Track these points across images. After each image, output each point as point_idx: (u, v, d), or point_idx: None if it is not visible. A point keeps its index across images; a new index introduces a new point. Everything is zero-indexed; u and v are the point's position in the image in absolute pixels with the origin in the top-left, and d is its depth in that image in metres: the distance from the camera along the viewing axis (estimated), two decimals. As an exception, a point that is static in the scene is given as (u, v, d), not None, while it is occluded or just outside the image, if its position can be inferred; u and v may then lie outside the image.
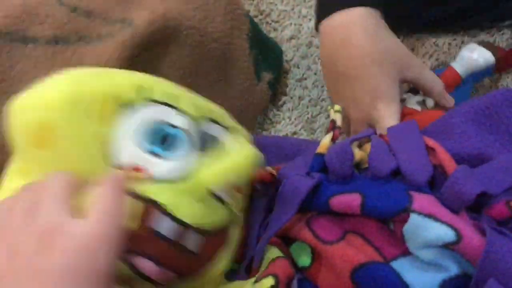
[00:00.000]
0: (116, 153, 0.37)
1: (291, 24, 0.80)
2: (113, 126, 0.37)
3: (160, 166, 0.38)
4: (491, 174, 0.42)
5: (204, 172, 0.39)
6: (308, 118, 0.69)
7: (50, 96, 0.37)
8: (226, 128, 0.44)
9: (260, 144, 0.55)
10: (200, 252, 0.39)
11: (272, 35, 0.79)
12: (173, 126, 0.39)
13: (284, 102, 0.72)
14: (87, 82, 0.38)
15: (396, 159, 0.44)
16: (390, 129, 0.50)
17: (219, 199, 0.40)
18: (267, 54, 0.70)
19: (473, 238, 0.38)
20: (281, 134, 0.70)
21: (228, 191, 0.41)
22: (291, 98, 0.72)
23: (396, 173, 0.44)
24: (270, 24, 0.81)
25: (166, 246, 0.37)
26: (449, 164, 0.43)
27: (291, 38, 0.79)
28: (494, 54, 0.64)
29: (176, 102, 0.40)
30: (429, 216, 0.39)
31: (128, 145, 0.37)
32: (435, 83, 0.58)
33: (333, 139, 0.49)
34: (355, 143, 0.50)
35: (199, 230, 0.39)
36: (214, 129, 0.43)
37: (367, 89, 0.55)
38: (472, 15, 0.69)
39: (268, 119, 0.71)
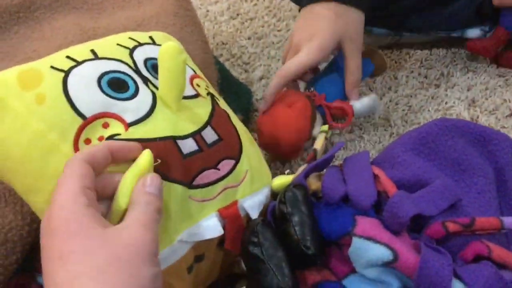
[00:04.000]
0: (80, 106, 0.42)
1: (261, 65, 0.86)
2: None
3: (126, 107, 0.43)
4: (428, 197, 0.46)
5: (162, 88, 0.46)
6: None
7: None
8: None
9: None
10: (221, 135, 0.49)
11: (243, 76, 0.85)
12: (111, 72, 0.45)
13: (255, 138, 0.76)
14: None
15: (346, 186, 0.49)
16: (345, 159, 0.55)
17: (186, 97, 0.48)
18: (236, 98, 0.75)
19: (409, 256, 0.42)
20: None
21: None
22: (261, 134, 0.76)
23: (347, 199, 0.48)
24: (241, 66, 0.87)
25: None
26: (391, 189, 0.47)
27: (261, 78, 0.84)
28: (372, 60, 0.76)
29: (99, 54, 0.46)
30: (369, 238, 0.43)
31: (86, 98, 0.42)
32: (353, 72, 0.69)
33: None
34: (316, 175, 0.54)
35: (202, 127, 0.47)
36: (143, 51, 0.49)
37: (313, 29, 0.68)
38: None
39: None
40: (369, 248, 0.42)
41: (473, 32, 0.76)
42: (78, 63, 0.44)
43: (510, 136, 0.51)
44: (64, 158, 0.40)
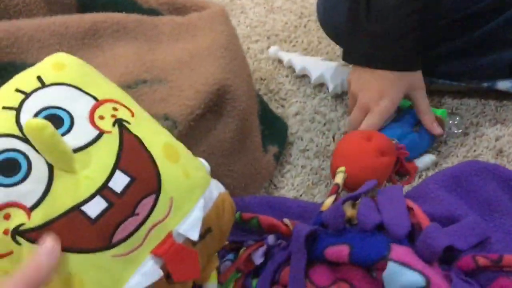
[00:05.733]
0: None
1: (296, 101, 0.90)
2: None
3: (25, 191, 0.40)
4: (459, 232, 0.49)
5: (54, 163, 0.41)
6: (309, 185, 0.77)
7: None
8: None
9: (269, 203, 0.64)
10: (133, 174, 0.43)
11: (279, 110, 0.89)
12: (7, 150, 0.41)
13: (288, 170, 0.80)
14: None
15: (381, 215, 0.52)
16: (380, 191, 0.58)
17: (81, 148, 0.42)
18: (273, 130, 0.79)
19: (440, 285, 0.44)
20: (285, 198, 0.78)
21: (85, 126, 0.44)
22: (294, 166, 0.80)
23: (381, 227, 0.52)
24: (278, 101, 0.91)
25: None
26: (424, 222, 0.50)
27: (296, 114, 0.88)
28: None
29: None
30: (404, 264, 0.46)
31: None
32: (427, 112, 0.76)
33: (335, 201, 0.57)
34: (349, 203, 0.57)
35: (110, 175, 0.42)
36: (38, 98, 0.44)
37: (380, 87, 0.74)
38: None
39: (273, 184, 0.78)
40: (403, 273, 0.45)
41: (504, 84, 0.80)
42: None
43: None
44: None
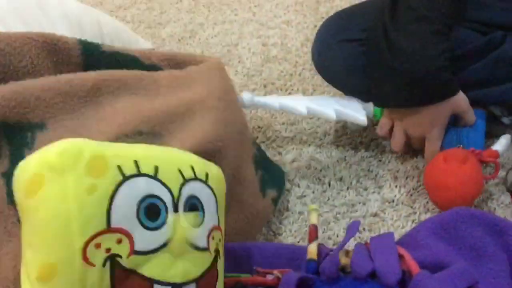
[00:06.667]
0: (113, 215, 0.45)
1: (293, 149, 0.93)
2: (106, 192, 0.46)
3: (144, 235, 0.46)
4: (448, 278, 0.51)
5: (178, 229, 0.49)
6: (306, 230, 0.79)
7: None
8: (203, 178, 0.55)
9: (262, 251, 0.66)
10: None
11: (276, 158, 0.92)
12: (157, 197, 0.48)
13: (286, 217, 0.82)
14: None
15: (373, 263, 0.54)
16: (372, 238, 0.60)
17: (197, 248, 0.50)
18: (272, 176, 0.82)
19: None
20: (283, 244, 0.80)
21: (204, 236, 0.51)
22: (292, 213, 0.83)
23: (374, 275, 0.53)
24: (276, 148, 0.94)
25: None
26: (415, 269, 0.52)
27: (293, 161, 0.91)
28: None
29: (158, 174, 0.50)
30: (395, 312, 0.48)
31: (123, 210, 0.46)
32: (472, 118, 0.81)
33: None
34: (343, 251, 0.59)
35: (189, 282, 0.48)
36: (193, 188, 0.53)
37: (428, 120, 0.79)
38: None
39: (272, 231, 0.81)
40: (395, 321, 0.47)
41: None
42: (138, 175, 0.48)
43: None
44: (68, 249, 0.43)
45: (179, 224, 0.49)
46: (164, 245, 0.48)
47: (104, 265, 0.44)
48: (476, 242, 0.55)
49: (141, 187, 0.48)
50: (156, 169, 0.50)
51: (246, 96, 0.87)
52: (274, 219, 0.82)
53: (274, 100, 0.88)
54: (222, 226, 0.58)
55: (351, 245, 0.63)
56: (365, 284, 0.52)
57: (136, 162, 0.49)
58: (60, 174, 0.45)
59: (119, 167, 0.47)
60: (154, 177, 0.49)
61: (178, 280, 0.48)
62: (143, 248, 0.46)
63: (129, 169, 0.48)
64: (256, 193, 0.79)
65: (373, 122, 0.91)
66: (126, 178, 0.47)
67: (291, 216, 0.82)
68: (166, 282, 0.47)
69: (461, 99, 0.79)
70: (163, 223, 0.48)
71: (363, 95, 0.87)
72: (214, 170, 0.59)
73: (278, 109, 0.88)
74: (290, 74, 1.11)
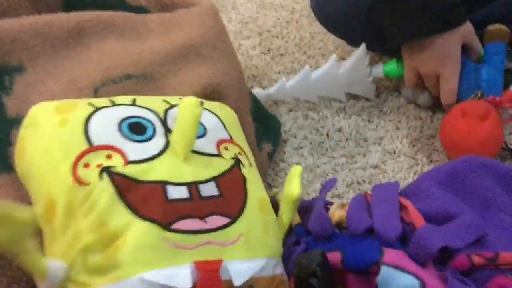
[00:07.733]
0: (92, 135, 0.48)
1: (290, 98, 0.89)
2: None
3: (136, 147, 0.48)
4: (455, 230, 0.48)
5: (174, 135, 0.50)
6: (303, 183, 0.76)
7: None
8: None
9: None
10: (223, 192, 0.49)
11: (273, 108, 0.88)
12: (138, 117, 0.51)
13: (282, 168, 0.79)
14: None
15: (371, 219, 0.50)
16: (374, 188, 0.56)
17: (204, 154, 0.51)
18: (267, 128, 0.78)
19: (435, 286, 0.43)
20: (279, 197, 0.77)
21: (210, 144, 0.53)
22: (288, 164, 0.79)
23: (372, 230, 0.50)
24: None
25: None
26: (419, 221, 0.49)
27: (290, 110, 0.87)
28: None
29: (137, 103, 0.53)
30: (397, 267, 0.44)
31: (102, 131, 0.48)
32: (479, 47, 0.77)
33: None
34: (339, 204, 0.56)
35: (205, 181, 0.49)
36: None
37: (438, 53, 0.73)
38: None
39: (267, 183, 0.77)
40: (397, 277, 0.44)
41: None
42: (113, 105, 0.51)
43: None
44: (59, 178, 0.45)
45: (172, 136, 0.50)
46: (161, 152, 0.49)
47: (100, 177, 0.45)
48: (485, 192, 0.51)
49: (118, 112, 0.50)
50: (134, 100, 0.52)
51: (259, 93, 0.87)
52: (269, 171, 0.78)
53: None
54: (244, 144, 0.59)
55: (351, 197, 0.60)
56: (363, 241, 0.49)
57: (111, 100, 0.51)
58: (36, 126, 0.49)
59: (90, 103, 0.50)
60: (132, 104, 0.52)
61: (189, 179, 0.48)
62: (138, 157, 0.47)
63: (103, 103, 0.51)
64: (253, 146, 0.75)
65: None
66: (98, 109, 0.50)
67: (287, 168, 0.79)
68: (177, 182, 0.47)
69: (470, 30, 0.75)
70: (153, 135, 0.50)
71: (366, 42, 0.82)
72: (213, 103, 0.59)
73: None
74: (287, 21, 1.06)
